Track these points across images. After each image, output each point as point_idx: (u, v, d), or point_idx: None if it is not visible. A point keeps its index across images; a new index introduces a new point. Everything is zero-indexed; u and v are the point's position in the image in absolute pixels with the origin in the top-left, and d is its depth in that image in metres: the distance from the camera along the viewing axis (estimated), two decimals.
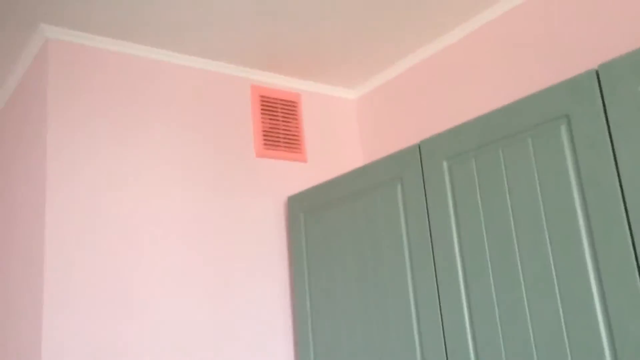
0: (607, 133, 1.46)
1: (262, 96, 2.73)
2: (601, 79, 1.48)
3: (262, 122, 2.70)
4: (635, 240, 1.39)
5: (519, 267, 1.65)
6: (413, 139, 2.75)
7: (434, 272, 1.90)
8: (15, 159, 2.51)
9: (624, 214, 1.42)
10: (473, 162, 1.81)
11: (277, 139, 2.71)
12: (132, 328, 2.14)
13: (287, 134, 2.75)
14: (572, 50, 2.13)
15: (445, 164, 1.91)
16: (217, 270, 2.41)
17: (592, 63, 2.06)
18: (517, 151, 1.68)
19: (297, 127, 2.79)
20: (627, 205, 1.41)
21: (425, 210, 1.96)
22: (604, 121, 1.46)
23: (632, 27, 1.96)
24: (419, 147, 2.00)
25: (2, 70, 2.50)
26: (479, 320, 1.75)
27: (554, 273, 1.57)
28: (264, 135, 2.68)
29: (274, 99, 2.76)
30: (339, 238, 2.32)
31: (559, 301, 1.55)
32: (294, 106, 2.82)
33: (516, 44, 2.33)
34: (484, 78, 2.45)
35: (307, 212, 2.51)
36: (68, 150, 2.17)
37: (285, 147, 2.73)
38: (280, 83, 2.81)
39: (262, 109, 2.71)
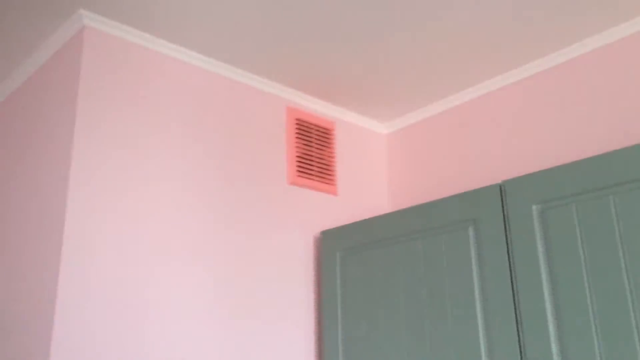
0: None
1: (297, 119, 2.49)
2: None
3: (297, 148, 2.45)
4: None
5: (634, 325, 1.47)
6: (442, 185, 2.57)
7: (515, 326, 1.69)
8: (32, 149, 2.16)
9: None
10: (574, 208, 1.64)
11: (310, 167, 2.46)
12: (145, 340, 1.80)
13: (321, 163, 2.51)
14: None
15: (534, 208, 1.72)
16: (233, 308, 2.10)
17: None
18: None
19: (330, 157, 2.55)
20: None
21: (507, 258, 1.76)
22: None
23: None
24: (501, 188, 1.82)
25: (25, 50, 2.16)
26: None
27: None
28: (298, 162, 2.43)
29: (309, 123, 2.53)
30: (386, 282, 2.08)
31: None
32: (328, 134, 2.59)
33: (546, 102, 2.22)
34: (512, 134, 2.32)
35: (345, 250, 2.26)
36: (95, 139, 1.86)
37: (318, 177, 2.48)
38: (316, 108, 2.57)
39: (297, 134, 2.47)
